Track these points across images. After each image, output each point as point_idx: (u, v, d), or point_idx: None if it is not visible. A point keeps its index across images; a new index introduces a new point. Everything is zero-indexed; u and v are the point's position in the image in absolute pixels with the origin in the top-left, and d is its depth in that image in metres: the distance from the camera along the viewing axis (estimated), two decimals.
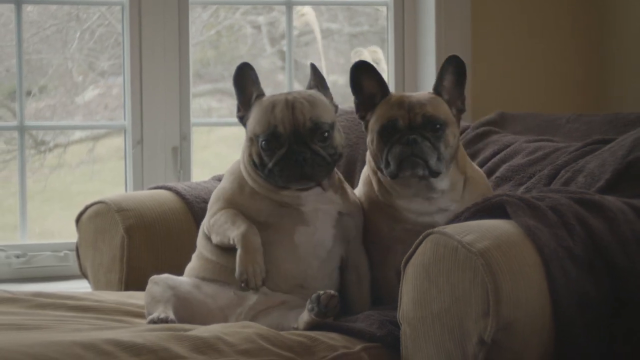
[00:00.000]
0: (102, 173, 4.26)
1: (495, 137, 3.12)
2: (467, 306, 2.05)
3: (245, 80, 2.54)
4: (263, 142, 2.45)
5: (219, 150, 4.42)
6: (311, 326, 2.36)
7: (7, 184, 4.09)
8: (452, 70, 2.54)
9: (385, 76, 3.94)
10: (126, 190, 3.80)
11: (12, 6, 3.75)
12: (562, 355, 2.11)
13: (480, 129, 3.19)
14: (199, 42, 4.18)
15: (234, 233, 2.46)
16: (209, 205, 2.61)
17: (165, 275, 2.59)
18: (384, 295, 2.54)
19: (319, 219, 2.51)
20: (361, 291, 2.56)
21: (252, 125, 2.49)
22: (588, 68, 4.04)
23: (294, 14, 4.01)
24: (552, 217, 2.19)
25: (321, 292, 2.34)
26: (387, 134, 2.49)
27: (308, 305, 2.35)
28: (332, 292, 2.35)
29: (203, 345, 2.14)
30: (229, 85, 4.23)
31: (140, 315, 2.59)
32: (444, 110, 2.51)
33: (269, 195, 2.50)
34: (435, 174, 2.47)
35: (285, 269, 2.50)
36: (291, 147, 2.43)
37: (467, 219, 2.25)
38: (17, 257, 3.70)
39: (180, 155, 3.79)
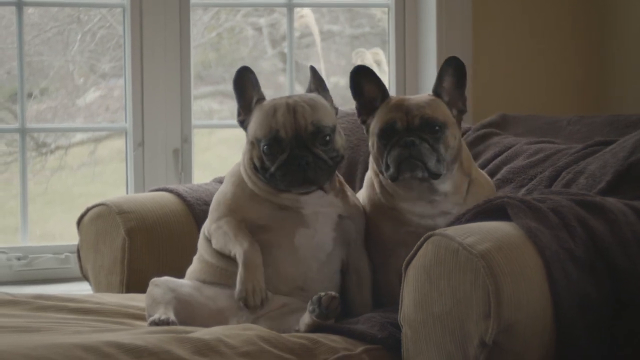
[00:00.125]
0: (103, 175, 4.26)
1: (496, 139, 3.12)
2: (468, 308, 2.05)
3: (245, 84, 2.54)
4: (265, 147, 2.45)
5: (220, 152, 4.42)
6: (312, 328, 2.36)
7: (9, 186, 4.09)
8: (452, 71, 2.54)
9: (386, 78, 3.96)
10: (127, 192, 3.80)
11: (13, 8, 3.76)
12: (563, 357, 2.11)
13: (481, 131, 3.19)
14: (200, 44, 4.18)
15: (235, 248, 2.46)
16: (210, 209, 2.61)
17: (166, 278, 2.59)
18: (386, 298, 2.54)
19: (319, 222, 2.51)
20: (362, 294, 2.56)
21: (253, 130, 2.49)
22: (589, 69, 4.04)
23: (300, 19, 4.01)
24: (553, 219, 2.19)
25: (322, 293, 2.34)
26: (386, 137, 2.49)
27: (309, 307, 2.35)
28: (333, 293, 2.35)
29: (204, 348, 2.14)
30: (229, 87, 4.23)
31: (142, 318, 2.59)
32: (442, 112, 2.51)
33: (269, 198, 2.50)
34: (435, 175, 2.47)
35: (286, 272, 2.50)
36: (293, 151, 2.43)
37: (468, 220, 2.25)
38: (18, 259, 3.70)
39: (182, 157, 3.79)
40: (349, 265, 2.57)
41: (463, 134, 2.98)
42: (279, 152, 2.44)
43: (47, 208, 4.17)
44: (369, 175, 2.64)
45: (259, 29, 4.32)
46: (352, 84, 2.57)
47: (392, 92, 3.72)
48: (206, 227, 2.61)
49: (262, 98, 2.54)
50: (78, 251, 3.15)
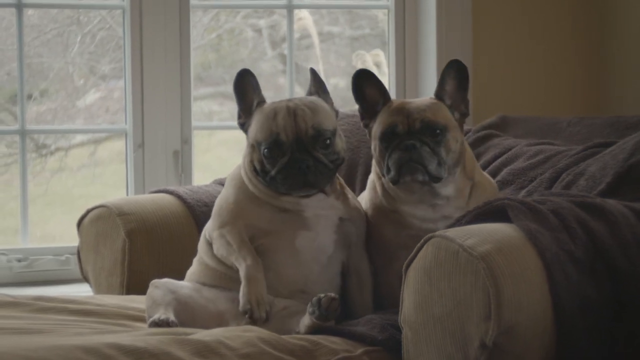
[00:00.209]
0: (103, 176, 4.26)
1: (497, 141, 3.12)
2: (469, 310, 2.05)
3: (245, 87, 2.54)
4: (265, 150, 2.45)
5: (220, 153, 4.43)
6: (312, 330, 2.36)
7: (9, 188, 4.09)
8: (454, 74, 2.54)
9: (386, 79, 3.96)
10: (127, 193, 3.80)
11: (13, 10, 3.75)
12: (563, 359, 2.11)
13: (482, 132, 3.19)
14: (200, 45, 4.18)
15: (238, 262, 2.46)
16: (213, 214, 2.59)
17: (166, 280, 2.59)
18: (387, 300, 2.54)
19: (321, 225, 2.51)
20: (363, 296, 2.56)
21: (253, 133, 2.49)
22: (589, 70, 4.04)
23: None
24: (553, 220, 2.19)
25: (322, 295, 2.34)
26: (387, 140, 2.49)
27: (309, 309, 2.35)
28: (333, 295, 2.35)
29: (204, 349, 2.14)
30: (229, 88, 4.23)
31: (142, 319, 2.59)
32: (444, 115, 2.51)
33: (270, 201, 2.50)
34: (436, 179, 2.46)
35: (287, 274, 2.50)
36: (294, 154, 2.43)
37: (468, 222, 2.25)
38: (19, 261, 3.70)
39: (182, 158, 3.79)
40: (349, 267, 2.57)
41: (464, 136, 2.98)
42: (279, 155, 2.44)
43: (47, 209, 4.17)
44: (372, 177, 2.64)
45: (258, 31, 4.32)
46: (354, 88, 2.58)
47: (392, 93, 3.72)
48: (208, 230, 2.60)
49: (262, 101, 2.54)
50: (78, 253, 3.15)
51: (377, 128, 2.53)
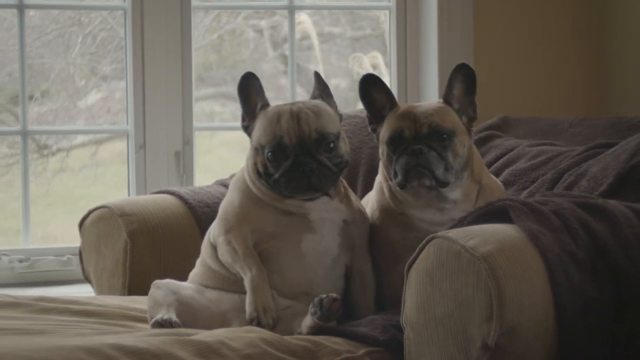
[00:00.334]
0: (104, 177, 4.26)
1: (498, 141, 3.12)
2: (471, 310, 2.05)
3: (249, 90, 2.54)
4: (269, 153, 2.45)
5: (222, 154, 4.42)
6: (314, 330, 2.36)
7: (10, 188, 4.09)
8: (462, 78, 2.53)
9: (387, 80, 3.96)
10: (129, 194, 3.80)
11: (14, 11, 3.76)
12: (565, 359, 2.11)
13: (483, 133, 3.19)
14: (201, 46, 4.18)
15: (244, 270, 2.46)
16: (218, 217, 2.58)
17: (168, 280, 2.59)
18: (390, 301, 2.53)
19: (325, 227, 2.51)
20: (365, 298, 2.56)
21: (257, 136, 2.49)
22: (590, 70, 4.04)
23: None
24: (555, 221, 2.19)
25: (323, 295, 2.35)
26: (395, 145, 2.49)
27: (311, 309, 2.36)
28: (334, 295, 2.35)
29: (206, 350, 2.14)
30: (231, 89, 4.24)
31: (144, 320, 2.59)
32: (451, 120, 2.50)
33: (275, 203, 2.50)
34: (443, 184, 2.47)
35: (292, 277, 2.50)
36: (297, 158, 2.43)
37: (470, 223, 2.25)
38: (20, 261, 3.70)
39: (183, 159, 3.79)
40: (352, 269, 2.57)
41: None
42: (283, 158, 2.44)
43: (48, 210, 4.17)
44: (379, 179, 2.64)
45: (260, 31, 4.32)
46: (361, 93, 2.58)
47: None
48: (212, 233, 2.60)
49: (266, 104, 2.53)
50: (80, 253, 3.15)
51: (384, 133, 2.53)
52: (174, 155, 3.79)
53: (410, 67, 3.98)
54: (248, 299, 2.42)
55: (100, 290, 3.07)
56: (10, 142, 4.00)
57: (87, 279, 3.16)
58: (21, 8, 3.74)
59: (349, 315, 2.49)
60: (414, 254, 2.19)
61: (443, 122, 2.48)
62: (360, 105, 4.00)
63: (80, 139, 4.21)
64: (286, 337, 2.28)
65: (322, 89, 2.57)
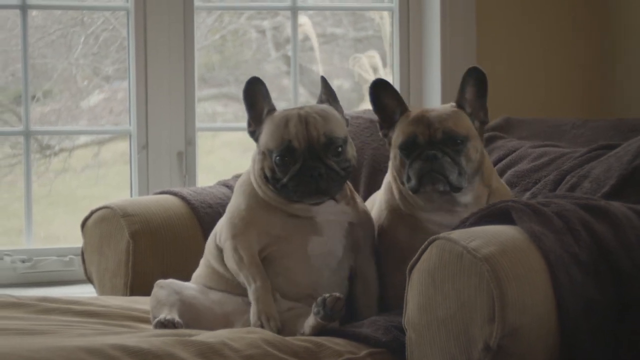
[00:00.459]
0: (107, 177, 4.26)
1: (501, 143, 3.12)
2: (473, 312, 2.05)
3: (255, 95, 2.53)
4: (277, 158, 2.45)
5: (224, 155, 4.42)
6: (317, 330, 2.36)
7: (13, 189, 4.09)
8: (473, 82, 2.53)
9: (389, 81, 3.95)
10: (131, 195, 3.80)
11: (17, 11, 3.76)
12: None
13: (486, 134, 3.18)
14: (203, 46, 4.18)
15: (248, 281, 2.46)
16: (225, 221, 2.57)
17: (171, 280, 2.59)
18: (394, 302, 2.52)
19: (331, 230, 2.51)
20: (368, 300, 2.55)
21: (265, 140, 2.49)
22: (592, 72, 4.04)
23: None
24: (557, 222, 2.19)
25: (327, 295, 2.35)
26: (408, 150, 2.49)
27: (314, 309, 2.36)
28: (338, 294, 2.35)
29: (208, 351, 2.14)
30: (233, 89, 4.24)
31: (146, 321, 2.60)
32: (464, 125, 2.50)
33: (281, 206, 2.49)
34: (457, 189, 2.46)
35: (297, 279, 2.50)
36: (306, 162, 2.42)
37: (472, 224, 2.25)
38: (23, 261, 3.70)
39: (186, 160, 3.79)
40: (356, 271, 2.57)
41: None
42: (291, 163, 2.44)
43: (50, 210, 4.17)
44: (388, 179, 2.63)
45: (262, 32, 4.32)
46: (372, 98, 2.58)
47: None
48: (218, 235, 2.59)
49: (272, 109, 2.53)
50: (82, 254, 3.15)
51: (397, 137, 2.53)
52: (176, 155, 3.79)
53: (413, 68, 3.98)
54: (252, 309, 2.43)
55: (102, 291, 3.08)
56: (13, 143, 4.01)
57: (89, 280, 3.16)
58: (24, 8, 3.74)
59: (351, 318, 2.49)
60: (416, 255, 2.19)
61: (457, 127, 2.48)
62: (362, 106, 4.02)
63: (82, 139, 4.22)
64: (288, 338, 2.28)
65: (328, 93, 2.57)
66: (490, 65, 3.94)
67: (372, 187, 3.08)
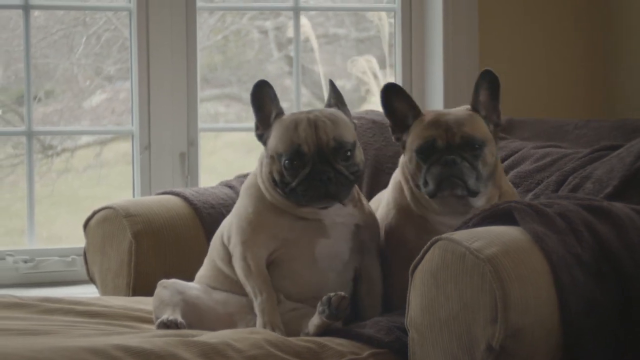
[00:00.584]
0: (109, 178, 4.26)
1: (503, 143, 3.11)
2: (475, 313, 2.05)
3: (263, 99, 2.51)
4: (286, 162, 2.44)
5: (226, 155, 4.42)
6: (321, 329, 2.37)
7: (15, 189, 4.09)
8: (486, 85, 2.53)
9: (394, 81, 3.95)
10: (134, 195, 3.80)
11: (20, 12, 3.76)
12: None
13: None
14: (205, 46, 4.18)
15: (255, 292, 2.46)
16: (233, 224, 2.57)
17: (174, 280, 2.59)
18: (398, 301, 2.52)
19: (338, 232, 2.51)
20: (372, 301, 2.56)
21: (273, 144, 2.47)
22: (594, 72, 4.04)
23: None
24: (560, 223, 2.19)
25: (332, 294, 2.35)
26: (425, 154, 2.48)
27: (319, 308, 2.36)
28: (343, 293, 2.36)
29: (211, 351, 2.14)
30: (236, 90, 4.24)
31: (148, 321, 2.60)
32: (481, 129, 2.50)
33: (289, 209, 2.49)
34: (474, 193, 2.46)
35: (303, 282, 2.50)
36: (315, 166, 2.41)
37: (474, 225, 2.25)
38: (25, 262, 3.70)
39: (188, 160, 3.79)
40: (361, 272, 2.57)
41: None
42: (300, 167, 2.43)
43: (53, 210, 4.17)
44: (397, 179, 2.62)
45: (264, 32, 4.32)
46: (383, 103, 2.57)
47: None
48: (226, 236, 2.58)
49: (281, 112, 2.52)
50: (85, 254, 3.15)
51: (412, 141, 2.52)
52: (178, 156, 3.79)
53: (415, 70, 3.98)
54: (258, 320, 2.43)
55: (104, 291, 3.08)
56: (15, 143, 4.01)
57: (91, 280, 3.16)
58: (26, 9, 3.74)
59: (355, 318, 2.49)
60: (419, 256, 2.19)
61: (474, 132, 2.48)
62: (364, 107, 4.02)
63: (84, 139, 4.22)
64: (291, 339, 2.28)
65: (337, 97, 2.56)
66: (493, 65, 3.91)
67: (375, 187, 3.08)
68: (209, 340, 2.19)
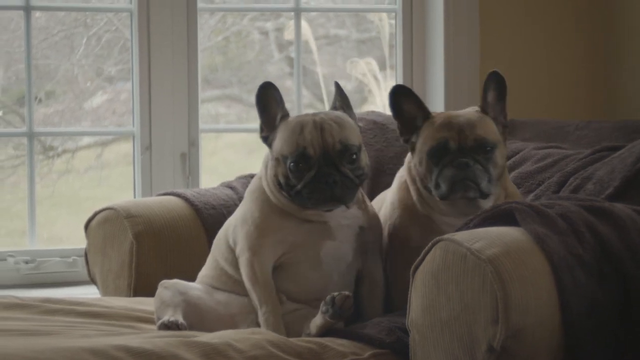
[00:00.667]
0: (110, 179, 4.26)
1: None
2: (476, 313, 2.05)
3: (269, 101, 2.50)
4: (291, 164, 2.43)
5: (227, 156, 4.42)
6: (324, 330, 2.37)
7: (16, 190, 4.09)
8: (494, 86, 2.53)
9: (392, 83, 3.95)
10: (135, 196, 3.80)
11: (21, 12, 3.76)
12: None
13: None
14: (206, 47, 4.18)
15: (259, 303, 2.45)
16: (234, 223, 2.57)
17: (176, 280, 2.59)
18: (400, 300, 2.51)
19: (343, 234, 2.51)
20: (374, 301, 2.56)
21: (279, 146, 2.46)
22: (595, 73, 4.04)
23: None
24: (561, 224, 2.19)
25: (335, 294, 2.34)
26: (438, 156, 2.48)
27: (322, 308, 2.35)
28: (347, 293, 2.36)
29: (212, 352, 2.14)
30: (236, 91, 4.24)
31: (149, 321, 2.60)
32: (493, 131, 2.50)
33: (294, 212, 2.48)
34: (486, 195, 2.47)
35: (307, 284, 2.50)
36: (321, 169, 2.41)
37: (476, 226, 2.25)
38: (26, 262, 3.70)
39: (189, 161, 3.79)
40: (363, 272, 2.57)
41: None
42: (305, 169, 2.42)
43: (53, 211, 4.17)
44: (402, 178, 2.62)
45: (265, 33, 4.32)
46: (392, 104, 2.56)
47: None
48: (232, 238, 2.57)
49: (286, 115, 2.51)
50: (86, 255, 3.15)
51: (424, 143, 2.51)
52: (179, 156, 3.79)
53: (416, 71, 3.98)
54: (262, 329, 2.43)
55: (105, 292, 3.08)
56: (16, 144, 4.01)
57: (92, 281, 3.16)
58: (28, 10, 3.75)
59: (357, 318, 2.49)
60: (420, 257, 2.19)
61: (487, 134, 2.48)
62: (364, 108, 4.02)
63: (85, 140, 4.22)
64: (292, 339, 2.28)
65: (342, 100, 2.55)
66: (494, 66, 3.91)
67: (376, 188, 3.08)
68: (210, 340, 2.19)
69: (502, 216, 2.25)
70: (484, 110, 2.54)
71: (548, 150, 2.96)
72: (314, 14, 4.21)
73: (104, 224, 3.08)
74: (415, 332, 2.18)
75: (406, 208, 2.58)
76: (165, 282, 2.57)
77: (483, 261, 2.05)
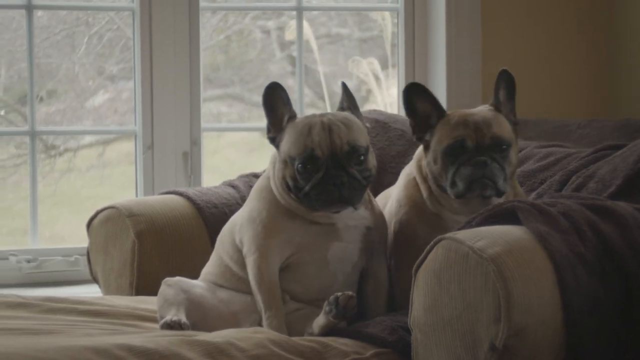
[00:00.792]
0: (112, 177, 4.27)
1: None
2: (479, 312, 2.05)
3: (276, 101, 2.49)
4: (299, 166, 2.41)
5: (229, 155, 4.42)
6: (327, 329, 2.36)
7: (18, 189, 4.10)
8: (504, 84, 2.53)
9: (392, 84, 3.95)
10: (136, 195, 3.81)
11: (23, 11, 3.77)
12: None
13: None
14: (208, 46, 4.18)
15: (264, 306, 2.45)
16: (248, 226, 2.54)
17: (178, 278, 2.59)
18: (403, 298, 2.51)
19: (350, 234, 2.50)
20: (378, 300, 2.55)
21: (286, 148, 2.45)
22: (597, 72, 4.04)
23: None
24: (563, 223, 2.19)
25: (339, 294, 2.34)
26: (454, 154, 2.47)
27: (326, 308, 2.35)
28: (350, 293, 2.35)
29: (215, 351, 2.14)
30: (238, 90, 4.24)
31: (152, 320, 2.60)
32: (507, 130, 2.50)
33: (302, 213, 2.47)
34: (502, 194, 2.46)
35: (313, 285, 2.49)
36: (329, 170, 2.39)
37: (478, 224, 2.25)
38: (28, 261, 3.70)
39: (191, 160, 3.80)
40: (368, 272, 2.56)
41: None
42: (313, 171, 2.40)
43: (55, 210, 4.18)
44: (411, 176, 2.61)
45: (267, 32, 4.32)
46: (405, 102, 2.55)
47: (399, 97, 3.72)
48: (238, 237, 2.56)
49: (293, 115, 2.49)
50: (88, 254, 3.16)
51: (440, 141, 2.50)
52: (181, 155, 3.79)
53: (418, 70, 3.98)
54: (265, 328, 2.42)
55: (107, 291, 3.08)
56: (18, 143, 4.01)
57: (94, 279, 3.16)
58: (29, 8, 3.75)
59: (360, 318, 2.49)
60: (422, 255, 2.19)
61: (503, 132, 2.48)
62: (366, 107, 4.02)
63: (87, 139, 4.22)
64: (294, 338, 2.28)
65: (349, 100, 2.53)
66: (496, 66, 3.91)
67: (378, 186, 3.08)
68: (213, 339, 2.19)
69: (504, 215, 2.25)
70: (497, 108, 2.54)
71: (550, 149, 2.96)
72: (315, 12, 4.21)
73: (105, 223, 3.08)
74: (417, 331, 2.18)
75: (414, 206, 2.57)
76: (168, 280, 2.57)
77: (485, 260, 2.05)
